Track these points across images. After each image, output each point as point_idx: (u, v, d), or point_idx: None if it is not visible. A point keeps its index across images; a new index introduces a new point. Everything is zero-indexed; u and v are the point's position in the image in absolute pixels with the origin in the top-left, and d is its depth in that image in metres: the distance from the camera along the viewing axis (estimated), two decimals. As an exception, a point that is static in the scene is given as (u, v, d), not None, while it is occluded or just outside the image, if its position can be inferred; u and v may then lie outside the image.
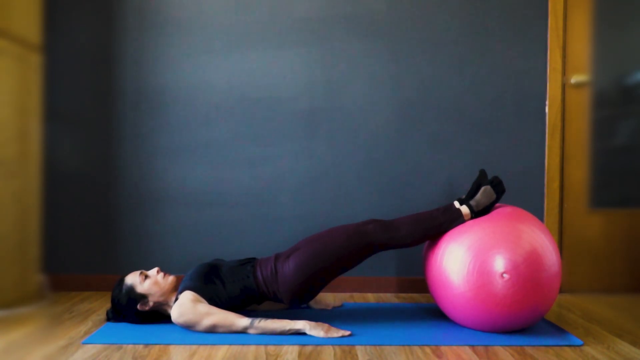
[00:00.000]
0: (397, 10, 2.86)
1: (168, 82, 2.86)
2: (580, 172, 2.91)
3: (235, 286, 2.23)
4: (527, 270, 2.02)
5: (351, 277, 2.85)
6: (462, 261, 2.10)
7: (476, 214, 2.25)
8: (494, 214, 2.23)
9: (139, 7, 2.86)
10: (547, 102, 2.87)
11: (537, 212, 2.86)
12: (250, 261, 2.33)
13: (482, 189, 2.27)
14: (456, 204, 2.29)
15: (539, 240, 2.10)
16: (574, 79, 2.88)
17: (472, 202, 2.26)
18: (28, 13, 2.67)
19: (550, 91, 2.86)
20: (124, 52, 2.87)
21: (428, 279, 2.31)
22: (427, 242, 2.40)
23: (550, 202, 2.87)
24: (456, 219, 2.24)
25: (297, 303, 2.28)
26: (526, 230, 2.10)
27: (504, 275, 2.03)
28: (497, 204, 2.34)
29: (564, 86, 2.88)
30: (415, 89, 2.87)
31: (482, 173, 2.32)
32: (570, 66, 2.89)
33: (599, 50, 2.92)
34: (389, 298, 2.77)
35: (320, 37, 2.86)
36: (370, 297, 2.79)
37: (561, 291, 2.90)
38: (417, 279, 2.85)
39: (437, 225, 2.24)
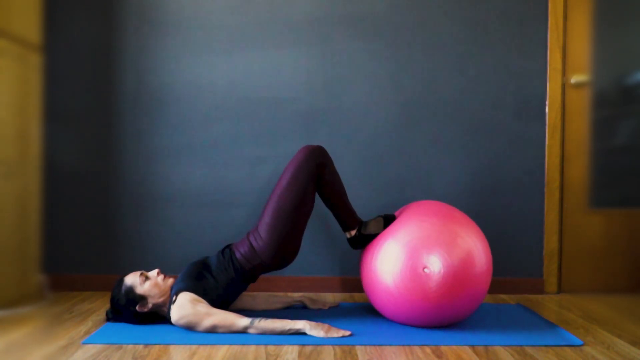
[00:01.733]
0: (397, 10, 2.86)
1: (168, 82, 2.86)
2: (580, 172, 2.91)
3: (225, 275, 2.26)
4: (455, 269, 2.09)
5: (351, 277, 2.86)
6: (396, 258, 2.15)
7: (360, 235, 2.32)
8: (429, 212, 2.24)
9: (139, 7, 2.86)
10: (547, 102, 2.87)
11: (537, 212, 2.87)
12: (228, 247, 2.37)
13: (376, 218, 2.33)
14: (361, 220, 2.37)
15: (469, 239, 2.15)
16: (574, 79, 2.88)
17: (365, 225, 2.32)
18: (28, 13, 2.67)
19: (550, 91, 2.86)
20: (124, 52, 2.87)
21: (362, 278, 2.34)
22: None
23: (550, 202, 2.87)
24: (345, 225, 2.34)
25: (285, 263, 2.33)
26: (457, 229, 2.15)
27: (425, 269, 2.08)
28: (436, 202, 2.36)
29: (564, 86, 2.88)
30: (415, 89, 2.87)
31: (386, 215, 2.36)
32: (570, 66, 2.89)
33: (599, 50, 2.92)
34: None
35: (320, 37, 2.86)
36: (370, 297, 2.79)
37: (561, 291, 2.91)
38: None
39: (340, 206, 2.34)
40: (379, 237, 2.27)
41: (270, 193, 2.34)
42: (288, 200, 2.26)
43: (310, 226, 2.78)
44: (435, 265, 2.09)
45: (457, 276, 2.09)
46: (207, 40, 2.86)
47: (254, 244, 2.29)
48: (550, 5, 2.85)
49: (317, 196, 2.46)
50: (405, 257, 2.13)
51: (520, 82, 2.87)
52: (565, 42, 2.88)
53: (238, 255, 2.31)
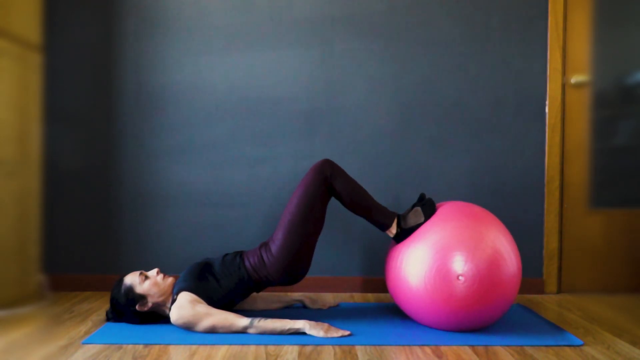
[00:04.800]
0: (397, 11, 2.86)
1: (168, 82, 2.86)
2: (580, 172, 2.91)
3: (230, 280, 2.26)
4: (485, 274, 2.05)
5: (351, 277, 2.86)
6: (422, 262, 2.12)
7: (400, 232, 2.26)
8: (456, 214, 2.21)
9: (139, 7, 2.86)
10: (547, 102, 2.87)
11: (537, 212, 2.87)
12: (238, 254, 2.36)
13: (414, 209, 2.28)
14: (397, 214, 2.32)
15: (499, 243, 2.11)
16: (574, 79, 2.88)
17: (404, 219, 2.28)
18: (28, 13, 2.67)
19: (550, 91, 2.86)
20: (124, 52, 2.87)
21: (387, 280, 2.32)
22: (390, 243, 2.40)
23: (550, 202, 2.87)
24: (384, 218, 2.28)
25: (292, 280, 2.32)
26: (487, 232, 2.12)
27: (460, 277, 2.05)
28: (464, 203, 2.33)
29: (564, 86, 2.88)
30: (415, 89, 2.87)
31: (421, 195, 2.33)
32: (570, 66, 2.89)
33: (599, 50, 2.92)
34: (389, 298, 2.77)
35: (320, 37, 2.86)
36: (370, 297, 2.79)
37: (561, 291, 2.91)
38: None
39: (369, 205, 2.29)
40: (407, 240, 2.23)
41: (285, 207, 2.34)
42: (297, 217, 2.25)
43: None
44: (468, 271, 2.05)
45: (489, 281, 2.05)
46: (207, 41, 2.86)
47: (264, 256, 2.29)
48: (550, 5, 2.85)
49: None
50: (436, 262, 2.08)
51: (520, 82, 2.87)
52: (565, 42, 2.88)
53: (247, 264, 2.30)
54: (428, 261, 2.11)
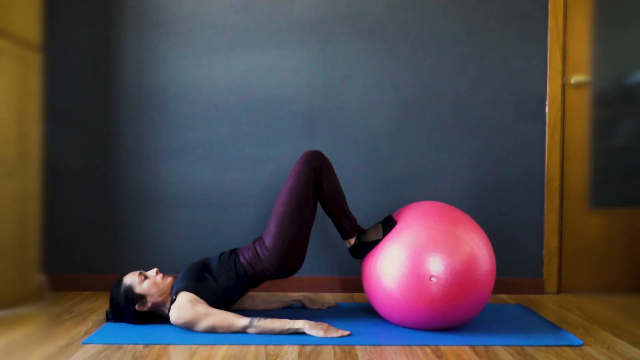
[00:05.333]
0: (397, 11, 2.86)
1: (168, 82, 2.86)
2: (580, 172, 2.91)
3: (227, 277, 2.26)
4: (458, 274, 2.06)
5: (351, 277, 2.85)
6: (398, 262, 2.12)
7: (360, 243, 2.28)
8: (432, 214, 2.21)
9: (139, 7, 2.86)
10: (547, 102, 2.87)
11: (537, 212, 2.87)
12: (234, 251, 2.37)
13: (375, 225, 2.30)
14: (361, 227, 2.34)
15: (473, 243, 2.12)
16: (574, 79, 2.88)
17: (365, 233, 2.29)
18: (28, 13, 2.67)
19: (550, 91, 2.86)
20: (124, 52, 2.87)
21: (364, 280, 2.32)
22: None
23: (550, 202, 2.87)
24: (350, 226, 2.31)
25: (289, 271, 2.32)
26: (461, 233, 2.13)
27: (432, 279, 2.06)
28: (438, 202, 2.33)
29: (564, 86, 2.88)
30: (415, 89, 2.87)
31: (387, 216, 2.33)
32: (570, 66, 2.89)
33: (599, 50, 2.92)
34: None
35: (320, 37, 2.86)
36: (370, 297, 2.79)
37: (561, 291, 2.91)
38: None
39: (339, 213, 2.31)
40: (386, 240, 2.24)
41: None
42: (289, 207, 2.26)
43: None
44: (440, 272, 2.06)
45: (462, 281, 2.06)
46: (207, 40, 2.86)
47: (259, 250, 2.29)
48: (550, 5, 2.85)
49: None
50: (409, 263, 2.09)
51: (520, 82, 2.87)
52: (565, 42, 2.88)
53: (242, 259, 2.31)
54: (402, 262, 2.11)
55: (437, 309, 2.08)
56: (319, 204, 2.35)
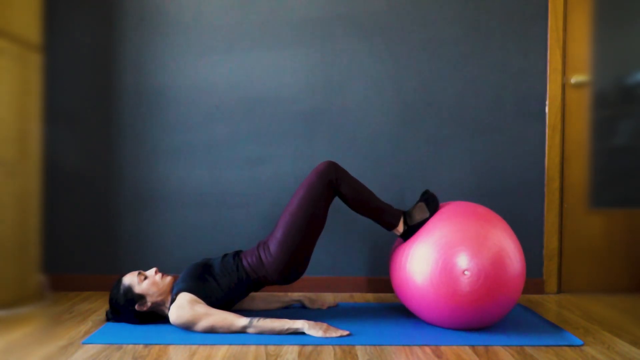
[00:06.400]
0: (397, 10, 2.86)
1: (168, 82, 2.86)
2: (580, 172, 2.91)
3: (229, 280, 2.26)
4: (490, 270, 2.06)
5: (351, 277, 2.85)
6: (427, 259, 2.12)
7: (407, 229, 2.26)
8: (461, 212, 2.22)
9: (139, 7, 2.86)
10: (547, 102, 2.87)
11: (537, 212, 2.87)
12: (237, 254, 2.36)
13: (418, 205, 2.28)
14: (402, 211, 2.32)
15: (504, 241, 2.12)
16: (574, 79, 2.88)
17: (409, 215, 2.27)
18: (28, 13, 2.67)
19: (550, 91, 2.86)
20: (124, 52, 2.87)
21: (392, 279, 2.32)
22: (395, 242, 2.41)
23: (550, 202, 2.87)
24: (391, 218, 2.27)
25: (291, 279, 2.31)
26: (492, 231, 2.13)
27: (466, 272, 2.06)
28: (469, 203, 2.33)
29: (564, 86, 2.88)
30: (415, 89, 2.87)
31: (425, 191, 2.33)
32: (570, 66, 2.89)
33: (599, 50, 2.92)
34: (389, 298, 2.77)
35: (320, 37, 2.86)
36: (370, 297, 2.79)
37: (561, 291, 2.91)
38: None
39: (375, 206, 2.28)
40: (412, 238, 2.23)
41: (284, 208, 2.33)
42: (298, 217, 2.24)
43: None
44: (474, 267, 2.05)
45: (494, 278, 2.06)
46: (207, 40, 2.86)
47: (262, 255, 2.28)
48: (550, 5, 2.85)
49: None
50: (441, 259, 2.09)
51: (520, 82, 2.87)
52: (565, 42, 2.88)
53: (245, 263, 2.30)
54: (433, 257, 2.11)
55: (469, 305, 2.07)
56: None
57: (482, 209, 2.24)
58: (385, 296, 2.81)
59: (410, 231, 2.26)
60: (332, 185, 2.27)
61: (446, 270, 2.09)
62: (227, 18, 2.86)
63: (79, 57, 2.86)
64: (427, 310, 2.18)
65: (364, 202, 2.29)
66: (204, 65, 2.86)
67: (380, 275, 2.86)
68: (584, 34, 2.90)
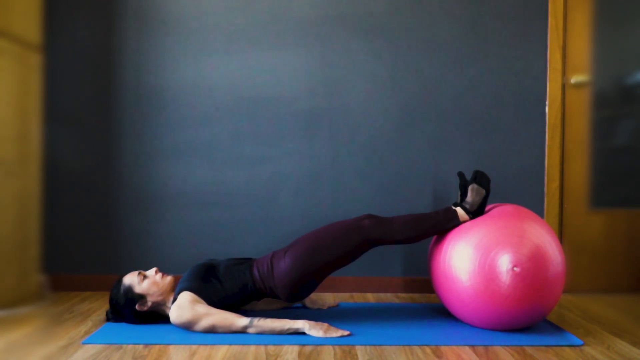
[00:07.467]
0: (397, 10, 2.86)
1: (168, 82, 2.86)
2: (580, 172, 2.91)
3: (233, 284, 2.24)
4: (534, 267, 2.04)
5: (351, 277, 2.85)
6: (469, 258, 2.11)
7: (473, 214, 2.26)
8: (496, 212, 2.23)
9: (139, 7, 2.86)
10: (547, 102, 2.87)
11: (537, 212, 2.86)
12: (247, 260, 2.34)
13: (470, 187, 2.27)
14: (452, 207, 2.30)
15: (543, 238, 2.11)
16: (574, 79, 2.88)
17: (465, 204, 2.27)
18: (28, 13, 2.67)
19: (550, 91, 2.86)
20: (124, 52, 2.87)
21: (433, 277, 2.32)
22: (432, 242, 2.41)
23: (550, 202, 2.87)
24: (451, 220, 2.26)
25: (294, 298, 2.28)
26: (530, 228, 2.12)
27: (515, 268, 2.03)
28: (501, 204, 2.34)
29: (564, 86, 2.88)
30: (415, 89, 2.87)
31: (460, 175, 2.33)
32: (570, 66, 2.89)
33: (599, 50, 2.92)
34: (389, 298, 2.77)
35: (320, 37, 2.86)
36: (370, 297, 2.79)
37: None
38: (417, 279, 2.85)
39: (432, 224, 2.26)
40: (453, 237, 2.21)
41: (317, 228, 2.30)
42: (323, 248, 2.21)
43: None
44: (523, 264, 2.04)
45: (540, 276, 2.04)
46: (207, 40, 2.86)
47: (275, 267, 2.25)
48: (550, 5, 2.85)
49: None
50: (483, 258, 2.08)
51: (520, 82, 2.87)
52: (565, 42, 2.88)
53: (255, 271, 2.27)
54: (477, 255, 2.10)
55: (512, 304, 2.06)
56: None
57: (523, 209, 2.24)
58: (384, 296, 2.81)
59: (477, 214, 2.26)
60: (370, 241, 2.24)
61: (491, 268, 2.06)
62: (227, 18, 2.86)
63: (79, 57, 2.86)
64: (468, 309, 2.16)
65: (418, 232, 2.26)
66: (204, 65, 2.86)
67: (380, 275, 2.86)
68: (584, 34, 2.90)
